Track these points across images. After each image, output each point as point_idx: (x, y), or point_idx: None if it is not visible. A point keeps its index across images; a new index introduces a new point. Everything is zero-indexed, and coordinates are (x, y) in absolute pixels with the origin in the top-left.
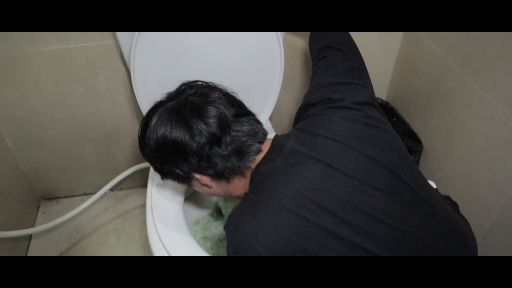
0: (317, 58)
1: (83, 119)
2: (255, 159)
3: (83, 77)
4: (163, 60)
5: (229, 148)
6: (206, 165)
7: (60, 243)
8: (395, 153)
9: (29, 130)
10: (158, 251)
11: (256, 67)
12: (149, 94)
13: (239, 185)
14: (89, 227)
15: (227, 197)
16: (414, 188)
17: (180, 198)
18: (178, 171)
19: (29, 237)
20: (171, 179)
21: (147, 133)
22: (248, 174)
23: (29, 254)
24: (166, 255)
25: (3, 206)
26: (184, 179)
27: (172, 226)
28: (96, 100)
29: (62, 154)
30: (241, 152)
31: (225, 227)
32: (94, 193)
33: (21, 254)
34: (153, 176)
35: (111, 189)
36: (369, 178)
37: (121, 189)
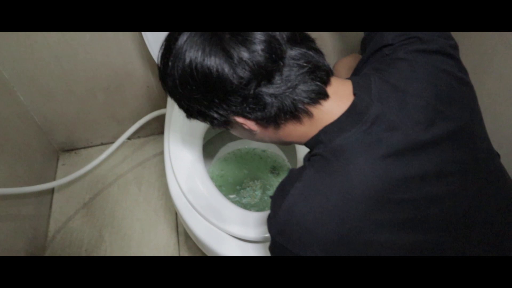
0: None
1: (93, 68)
2: (320, 104)
3: None
4: None
5: (283, 86)
6: (252, 107)
7: (83, 194)
8: (477, 117)
9: (40, 83)
10: (179, 201)
11: None
12: (159, 37)
13: (293, 133)
14: (109, 177)
15: (273, 143)
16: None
17: (199, 143)
18: (212, 113)
19: (52, 190)
20: (201, 120)
21: (170, 61)
22: (307, 121)
23: (53, 206)
24: (188, 204)
25: (23, 160)
26: (220, 123)
27: (191, 173)
28: (105, 47)
29: (75, 105)
30: (297, 92)
31: (273, 199)
32: (112, 142)
33: (45, 207)
34: (170, 122)
35: (129, 138)
36: (453, 154)
37: (139, 137)
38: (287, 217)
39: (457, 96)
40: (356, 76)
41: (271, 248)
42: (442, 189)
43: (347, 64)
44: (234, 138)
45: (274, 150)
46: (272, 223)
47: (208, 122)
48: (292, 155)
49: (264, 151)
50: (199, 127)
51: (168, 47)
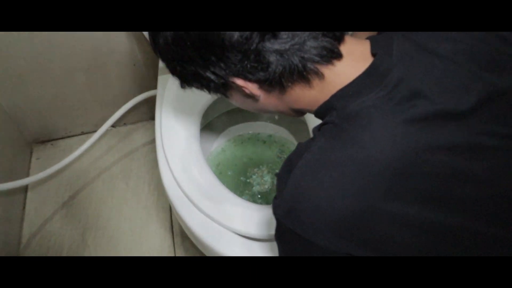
0: None
1: (70, 45)
2: (332, 65)
3: None
4: None
5: (290, 41)
6: (254, 66)
7: (61, 192)
8: None
9: (7, 63)
10: (174, 194)
11: None
12: None
13: (301, 98)
14: (92, 171)
15: (279, 113)
16: None
17: (196, 128)
18: (209, 75)
19: (25, 188)
20: (197, 87)
21: None
22: (317, 84)
23: (27, 207)
24: (184, 197)
25: None
26: (217, 87)
27: (188, 163)
28: None
29: (51, 89)
30: (306, 49)
31: (279, 176)
32: (94, 131)
33: (18, 208)
34: (161, 106)
35: (113, 125)
36: (492, 125)
37: (125, 124)
38: (294, 194)
39: (500, 58)
40: (376, 35)
41: (276, 235)
42: (476, 165)
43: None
44: (235, 122)
45: (282, 134)
46: (277, 203)
47: (205, 89)
48: (304, 137)
49: (270, 135)
50: (196, 109)
51: None
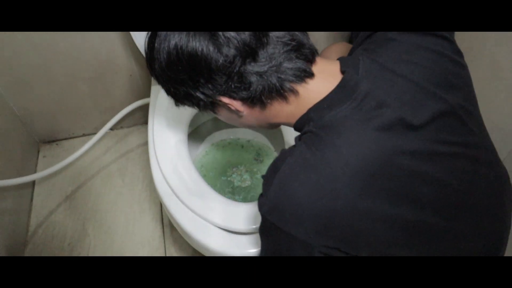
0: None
1: (73, 56)
2: (305, 83)
3: None
4: None
5: (268, 64)
6: (237, 86)
7: (65, 187)
8: (472, 101)
9: (18, 72)
10: (164, 191)
11: None
12: None
13: (280, 113)
14: (92, 168)
15: (261, 127)
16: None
17: (184, 133)
18: (198, 94)
19: (32, 183)
20: (189, 105)
21: (156, 44)
22: (293, 100)
23: (34, 200)
24: (172, 194)
25: (2, 152)
26: (206, 105)
27: (176, 164)
28: (85, 34)
29: (56, 95)
30: (282, 70)
31: (265, 178)
32: (94, 133)
33: (26, 201)
34: (154, 112)
35: (111, 128)
36: (444, 135)
37: (122, 127)
38: (278, 193)
39: (451, 78)
40: (345, 57)
41: (261, 229)
42: (432, 168)
43: (339, 49)
44: (219, 128)
45: (259, 139)
46: (263, 201)
47: (195, 106)
48: (279, 143)
49: (248, 141)
50: (184, 116)
51: (155, 31)
